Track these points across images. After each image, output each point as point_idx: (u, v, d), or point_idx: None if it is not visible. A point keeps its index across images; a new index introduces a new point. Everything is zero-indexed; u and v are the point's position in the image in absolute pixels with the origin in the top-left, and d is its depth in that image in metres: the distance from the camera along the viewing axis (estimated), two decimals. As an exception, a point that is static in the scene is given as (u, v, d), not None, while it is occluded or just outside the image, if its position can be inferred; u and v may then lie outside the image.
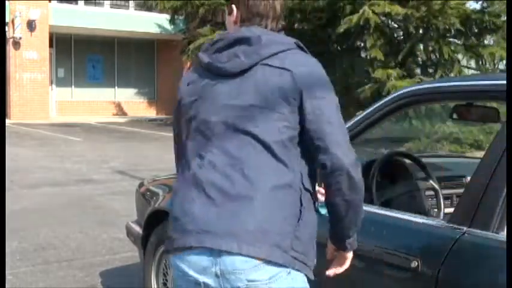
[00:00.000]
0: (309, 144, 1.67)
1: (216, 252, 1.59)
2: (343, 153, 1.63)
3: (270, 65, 1.68)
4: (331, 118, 1.66)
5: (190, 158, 1.72)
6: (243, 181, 1.63)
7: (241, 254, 1.57)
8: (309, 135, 1.66)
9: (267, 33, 1.75)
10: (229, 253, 1.58)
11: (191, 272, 1.64)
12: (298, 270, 1.64)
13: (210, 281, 1.62)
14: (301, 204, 1.67)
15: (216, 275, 1.61)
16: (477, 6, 14.61)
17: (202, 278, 1.63)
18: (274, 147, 1.65)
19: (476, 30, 14.66)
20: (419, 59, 14.87)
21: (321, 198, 2.32)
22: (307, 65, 1.71)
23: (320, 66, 1.74)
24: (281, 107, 1.66)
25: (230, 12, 1.83)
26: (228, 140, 1.68)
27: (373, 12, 13.01)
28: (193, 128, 1.75)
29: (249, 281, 1.59)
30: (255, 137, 1.66)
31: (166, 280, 3.14)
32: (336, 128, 1.66)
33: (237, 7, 1.81)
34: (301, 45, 1.76)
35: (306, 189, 1.70)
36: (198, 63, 1.84)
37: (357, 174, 1.64)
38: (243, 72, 1.70)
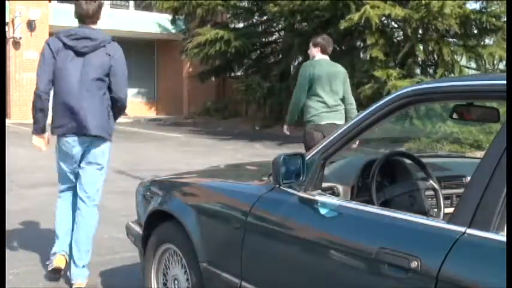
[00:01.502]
0: (110, 88, 3.86)
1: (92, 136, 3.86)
2: (125, 94, 3.95)
3: (99, 51, 3.81)
4: (123, 77, 3.90)
5: (69, 96, 3.79)
6: (93, 106, 3.80)
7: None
8: (111, 84, 3.86)
9: (99, 33, 3.84)
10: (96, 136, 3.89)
11: (77, 145, 3.87)
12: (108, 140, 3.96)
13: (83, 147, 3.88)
14: (108, 112, 3.90)
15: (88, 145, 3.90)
16: (477, 6, 14.59)
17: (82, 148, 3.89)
18: (102, 92, 3.84)
19: (475, 31, 14.65)
20: (419, 59, 14.87)
21: (322, 198, 2.32)
22: (117, 52, 3.88)
23: (121, 51, 3.90)
24: (106, 72, 3.82)
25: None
26: (87, 93, 3.78)
27: (374, 9, 12.99)
28: (65, 81, 3.79)
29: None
30: (101, 91, 3.83)
31: (166, 280, 3.14)
32: (123, 83, 3.91)
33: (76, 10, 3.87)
34: (114, 39, 3.91)
35: (109, 106, 3.91)
36: (57, 41, 3.82)
37: (126, 102, 4.00)
38: (88, 53, 3.79)
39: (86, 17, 3.84)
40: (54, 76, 3.80)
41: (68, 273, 3.97)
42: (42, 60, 3.83)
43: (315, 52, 5.59)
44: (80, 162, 3.92)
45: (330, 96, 5.46)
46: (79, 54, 3.78)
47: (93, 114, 3.79)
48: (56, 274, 4.01)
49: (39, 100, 3.80)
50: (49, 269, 4.02)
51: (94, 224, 3.99)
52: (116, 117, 4.03)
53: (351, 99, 5.66)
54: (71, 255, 3.93)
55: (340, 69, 5.68)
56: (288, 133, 5.88)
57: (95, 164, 3.93)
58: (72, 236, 3.97)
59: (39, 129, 3.89)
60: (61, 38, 3.80)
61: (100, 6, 3.86)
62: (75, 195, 4.03)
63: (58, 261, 3.96)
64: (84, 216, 3.94)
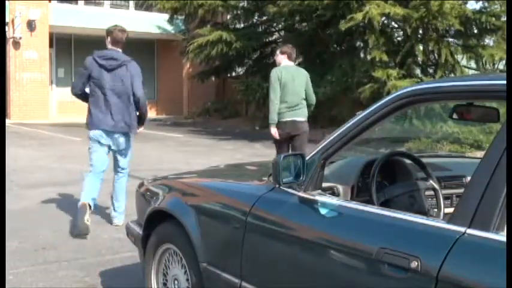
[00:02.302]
0: (133, 93, 5.45)
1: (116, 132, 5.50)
2: (143, 98, 5.49)
3: (122, 68, 5.43)
4: (139, 86, 5.47)
5: (102, 99, 5.42)
6: (121, 110, 5.43)
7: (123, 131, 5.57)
8: (132, 90, 5.42)
9: (121, 55, 5.50)
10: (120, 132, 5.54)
11: (105, 137, 5.48)
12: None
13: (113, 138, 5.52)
14: (131, 112, 5.49)
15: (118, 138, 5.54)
16: (477, 6, 14.56)
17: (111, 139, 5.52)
18: (130, 100, 5.44)
19: (475, 31, 14.63)
20: (419, 59, 14.84)
21: (322, 198, 2.32)
22: (135, 68, 5.51)
23: (138, 68, 5.57)
24: (128, 84, 5.42)
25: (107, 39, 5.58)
26: (115, 98, 5.40)
27: (375, 8, 12.96)
28: (100, 89, 5.40)
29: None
30: (125, 96, 5.43)
31: (166, 280, 3.14)
32: (140, 88, 5.46)
33: (108, 36, 5.53)
34: (133, 59, 5.57)
35: (132, 109, 5.48)
36: (93, 61, 5.42)
37: (145, 101, 5.59)
38: (113, 70, 5.40)
39: (119, 42, 5.50)
40: (92, 85, 5.40)
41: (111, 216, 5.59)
42: (81, 72, 5.56)
43: (282, 59, 6.53)
44: (112, 148, 5.49)
45: (293, 96, 6.36)
46: (108, 70, 5.37)
47: (121, 113, 5.37)
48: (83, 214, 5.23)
49: (80, 96, 5.58)
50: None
51: (125, 183, 5.66)
52: (142, 115, 5.53)
53: (313, 99, 6.57)
54: (112, 205, 5.57)
55: (303, 73, 6.60)
56: (277, 136, 6.43)
57: (123, 150, 5.54)
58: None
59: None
60: (95, 58, 5.42)
61: (127, 36, 5.59)
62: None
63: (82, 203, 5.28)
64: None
